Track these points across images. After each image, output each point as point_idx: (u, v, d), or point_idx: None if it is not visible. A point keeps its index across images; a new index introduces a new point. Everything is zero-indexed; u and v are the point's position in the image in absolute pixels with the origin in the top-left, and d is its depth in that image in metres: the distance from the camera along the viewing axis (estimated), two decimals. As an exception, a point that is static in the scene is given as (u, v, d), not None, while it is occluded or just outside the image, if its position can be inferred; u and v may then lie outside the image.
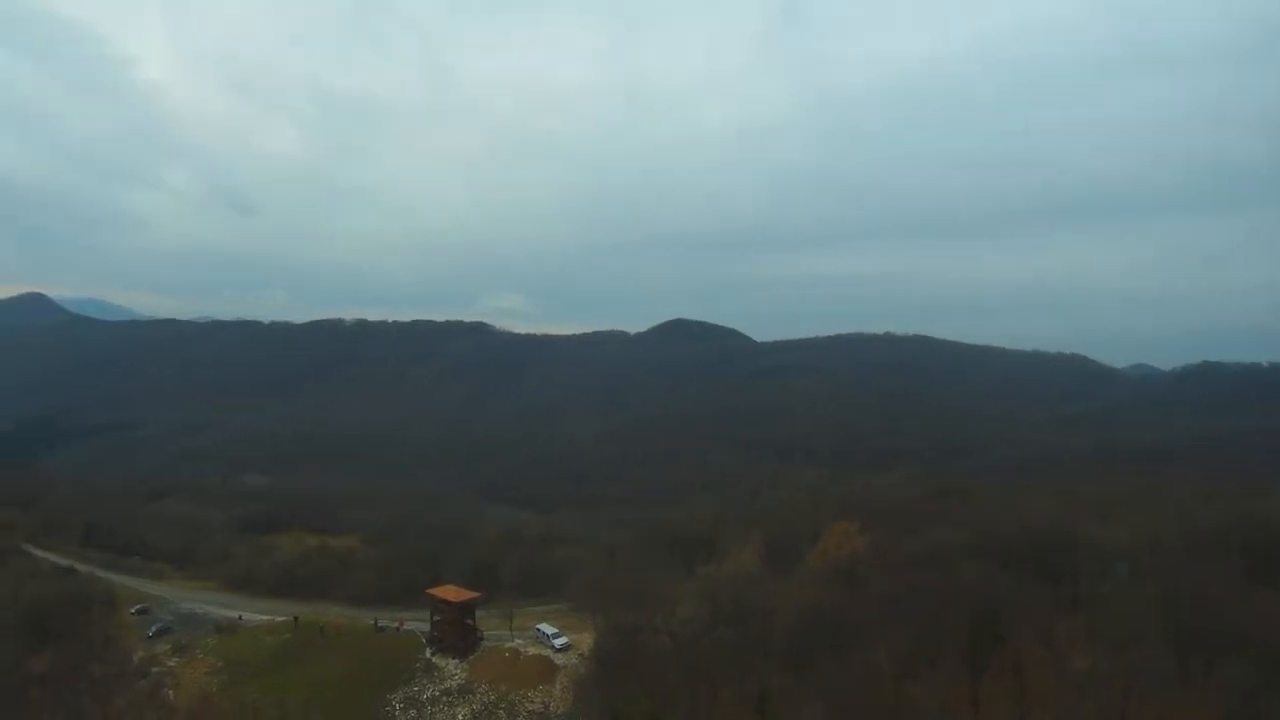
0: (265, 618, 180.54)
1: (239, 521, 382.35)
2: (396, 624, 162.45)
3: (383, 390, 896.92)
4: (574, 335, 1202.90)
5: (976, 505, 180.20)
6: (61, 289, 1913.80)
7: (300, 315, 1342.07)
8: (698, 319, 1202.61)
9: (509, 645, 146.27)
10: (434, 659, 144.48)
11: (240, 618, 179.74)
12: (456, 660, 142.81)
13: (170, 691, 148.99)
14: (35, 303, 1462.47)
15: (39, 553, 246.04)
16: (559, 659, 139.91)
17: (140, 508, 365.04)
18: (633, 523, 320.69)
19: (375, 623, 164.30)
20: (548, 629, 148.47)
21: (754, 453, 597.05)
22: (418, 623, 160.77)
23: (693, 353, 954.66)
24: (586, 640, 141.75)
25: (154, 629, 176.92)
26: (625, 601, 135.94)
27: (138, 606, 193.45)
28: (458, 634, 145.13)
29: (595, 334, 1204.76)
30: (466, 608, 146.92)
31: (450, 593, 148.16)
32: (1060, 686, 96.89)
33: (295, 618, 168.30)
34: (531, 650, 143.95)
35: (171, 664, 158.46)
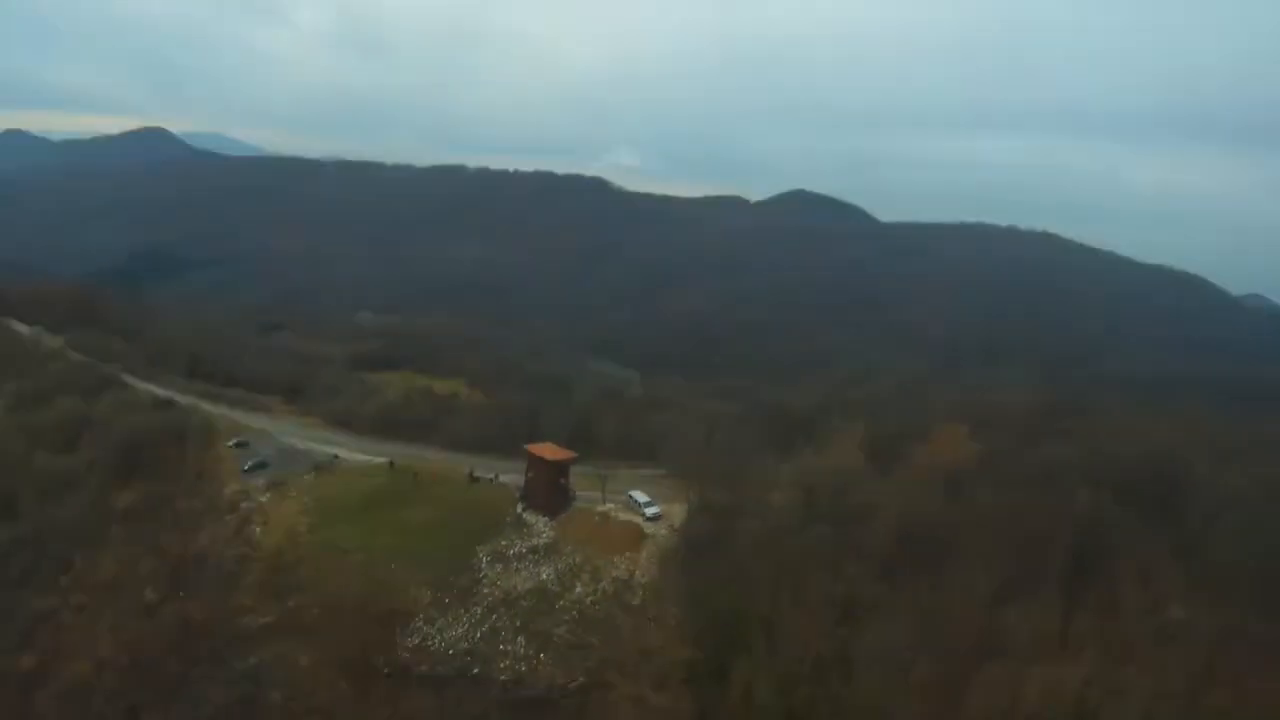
0: (364, 458, 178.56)
1: (350, 358, 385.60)
2: (491, 476, 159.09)
3: (499, 239, 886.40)
4: (693, 198, 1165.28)
5: (1094, 425, 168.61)
6: (185, 124, 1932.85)
7: (424, 160, 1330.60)
8: (821, 192, 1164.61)
9: (600, 508, 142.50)
10: (524, 515, 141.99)
11: (336, 457, 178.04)
12: (546, 519, 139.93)
13: (258, 528, 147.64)
14: (157, 137, 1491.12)
15: (140, 384, 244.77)
16: (648, 528, 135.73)
17: (252, 340, 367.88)
18: (735, 394, 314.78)
19: (470, 472, 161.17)
20: (640, 496, 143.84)
21: (865, 334, 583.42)
22: (513, 475, 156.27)
23: (812, 226, 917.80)
24: (677, 512, 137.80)
25: (249, 463, 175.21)
26: (720, 478, 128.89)
27: (236, 439, 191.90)
28: (550, 492, 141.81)
29: (715, 198, 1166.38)
30: (561, 467, 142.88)
31: (547, 450, 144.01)
32: (1151, 635, 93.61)
33: (391, 462, 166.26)
34: (621, 516, 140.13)
35: (263, 500, 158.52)
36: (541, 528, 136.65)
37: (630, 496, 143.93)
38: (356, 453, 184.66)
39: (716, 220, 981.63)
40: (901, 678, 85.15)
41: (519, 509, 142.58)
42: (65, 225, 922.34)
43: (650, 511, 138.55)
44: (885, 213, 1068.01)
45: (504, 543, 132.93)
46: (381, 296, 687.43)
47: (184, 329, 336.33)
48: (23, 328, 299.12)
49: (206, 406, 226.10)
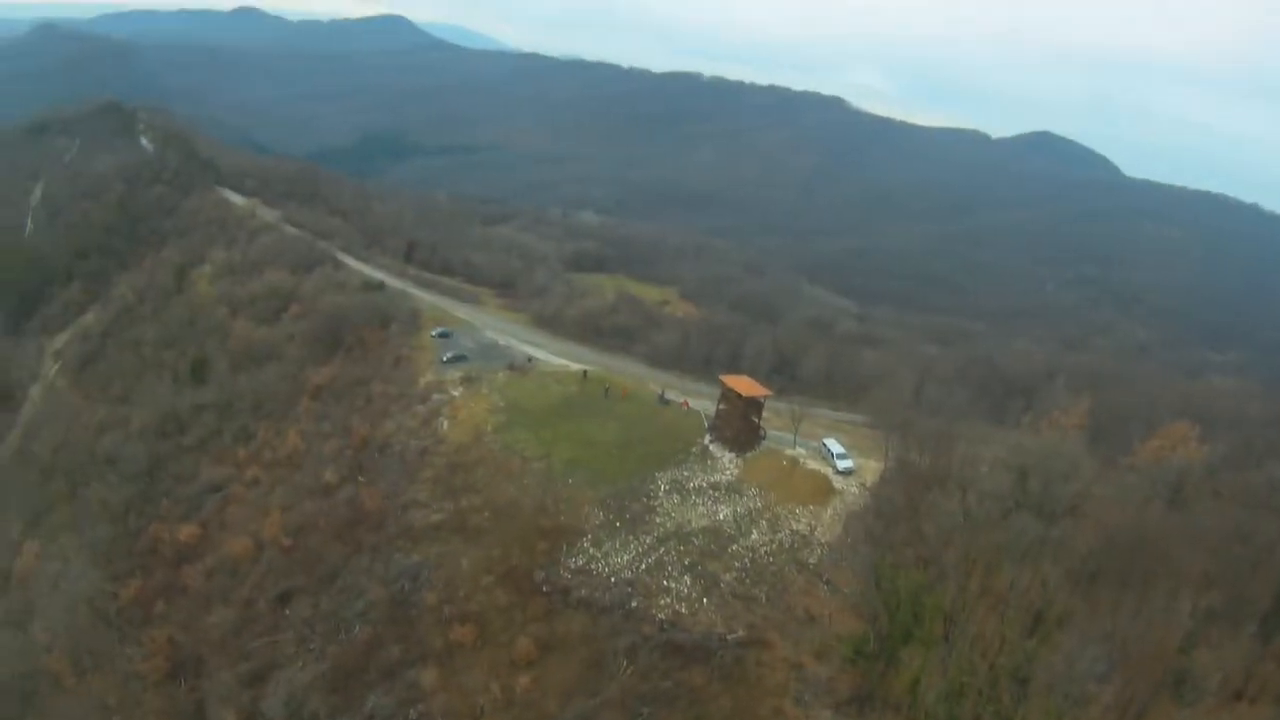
0: (560, 362, 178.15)
1: (567, 257, 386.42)
2: (683, 401, 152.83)
3: (728, 150, 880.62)
4: (932, 127, 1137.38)
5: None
6: (425, 13, 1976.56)
7: (660, 64, 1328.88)
8: (1066, 135, 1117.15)
9: (789, 452, 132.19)
10: (710, 447, 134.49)
11: (530, 359, 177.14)
12: (732, 455, 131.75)
13: (445, 422, 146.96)
14: (395, 24, 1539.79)
15: (354, 263, 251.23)
16: (838, 481, 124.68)
17: (471, 230, 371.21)
18: (951, 339, 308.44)
19: (661, 394, 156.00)
20: (834, 445, 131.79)
21: (1089, 293, 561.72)
22: (706, 402, 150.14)
23: (1052, 171, 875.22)
24: (872, 469, 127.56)
25: (448, 355, 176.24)
26: (924, 441, 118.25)
27: (439, 329, 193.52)
28: (740, 428, 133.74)
29: (956, 130, 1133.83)
30: (754, 403, 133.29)
31: (742, 384, 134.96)
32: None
33: (585, 372, 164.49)
34: (811, 464, 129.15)
35: (455, 394, 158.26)
36: (726, 464, 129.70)
37: (824, 444, 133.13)
38: (555, 355, 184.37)
39: (955, 152, 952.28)
40: (1081, 709, 75.17)
41: (706, 440, 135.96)
42: (297, 103, 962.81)
43: (843, 465, 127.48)
44: (1131, 166, 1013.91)
45: (685, 474, 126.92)
46: (606, 198, 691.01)
47: (405, 214, 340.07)
48: (238, 198, 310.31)
49: (416, 293, 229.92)
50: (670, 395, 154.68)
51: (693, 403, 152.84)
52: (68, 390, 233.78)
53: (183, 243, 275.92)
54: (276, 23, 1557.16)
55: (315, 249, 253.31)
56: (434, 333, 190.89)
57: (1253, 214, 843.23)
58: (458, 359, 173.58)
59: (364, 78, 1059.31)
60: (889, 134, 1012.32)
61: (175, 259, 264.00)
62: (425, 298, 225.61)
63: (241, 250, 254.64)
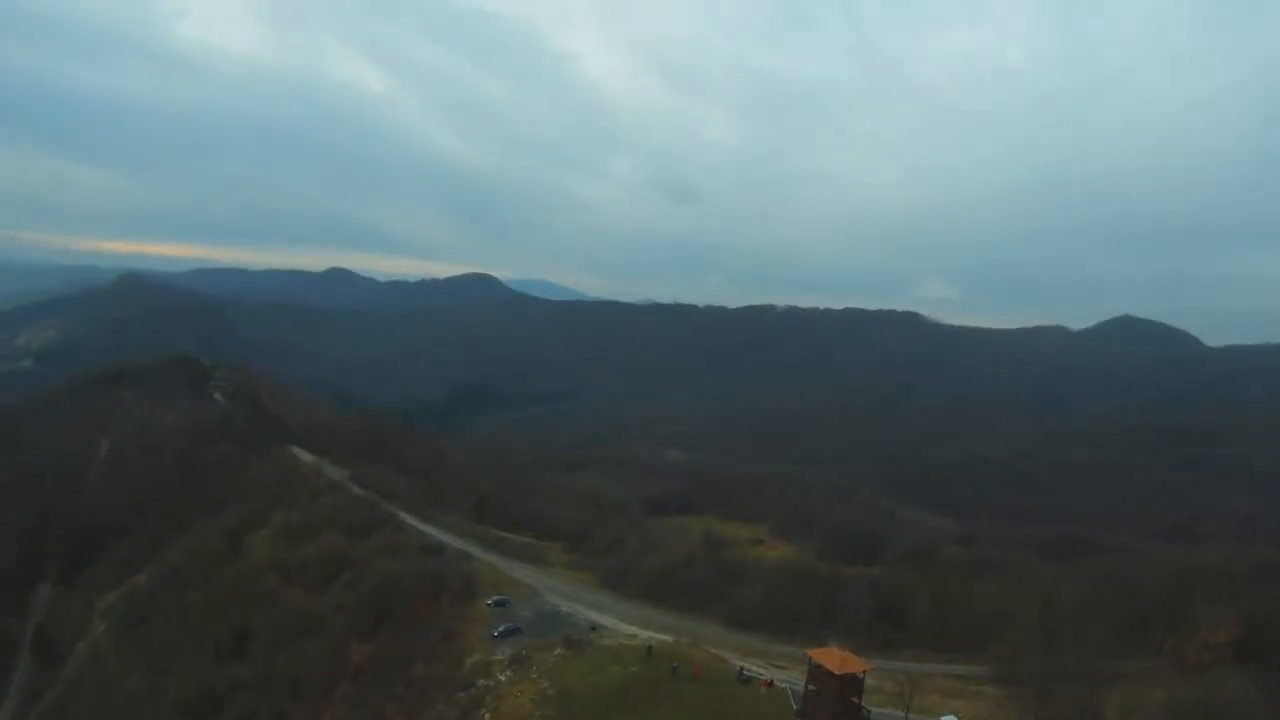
0: (629, 630, 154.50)
1: (648, 501, 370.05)
2: (763, 681, 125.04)
3: (807, 376, 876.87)
4: (1010, 329, 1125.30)
5: None
6: (508, 270, 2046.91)
7: (734, 300, 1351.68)
8: (1145, 316, 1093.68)
9: None
10: None
11: (593, 628, 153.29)
12: None
13: (486, 716, 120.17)
14: (482, 283, 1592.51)
15: (417, 524, 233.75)
16: None
17: (549, 480, 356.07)
18: (1067, 551, 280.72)
19: (740, 670, 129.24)
20: None
21: (1196, 471, 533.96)
22: (795, 673, 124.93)
23: (1137, 354, 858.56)
24: None
25: (501, 629, 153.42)
26: (1066, 694, 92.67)
27: (495, 598, 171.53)
28: (836, 713, 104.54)
29: (1034, 329, 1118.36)
30: (851, 682, 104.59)
31: (833, 658, 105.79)
32: None
33: (650, 648, 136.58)
34: None
35: (502, 679, 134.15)
36: None
37: None
38: (623, 621, 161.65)
39: (1036, 351, 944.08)
40: None
41: None
42: (388, 359, 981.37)
43: None
44: (1215, 335, 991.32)
45: None
46: (691, 435, 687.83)
47: (476, 468, 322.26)
48: (307, 456, 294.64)
49: (479, 553, 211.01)
50: (750, 670, 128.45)
51: (780, 675, 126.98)
52: (113, 652, 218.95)
53: (244, 504, 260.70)
54: (367, 284, 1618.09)
55: (377, 510, 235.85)
56: (490, 601, 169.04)
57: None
58: (510, 632, 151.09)
59: (451, 332, 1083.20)
60: (966, 341, 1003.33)
61: (231, 521, 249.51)
62: (487, 559, 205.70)
63: (302, 512, 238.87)
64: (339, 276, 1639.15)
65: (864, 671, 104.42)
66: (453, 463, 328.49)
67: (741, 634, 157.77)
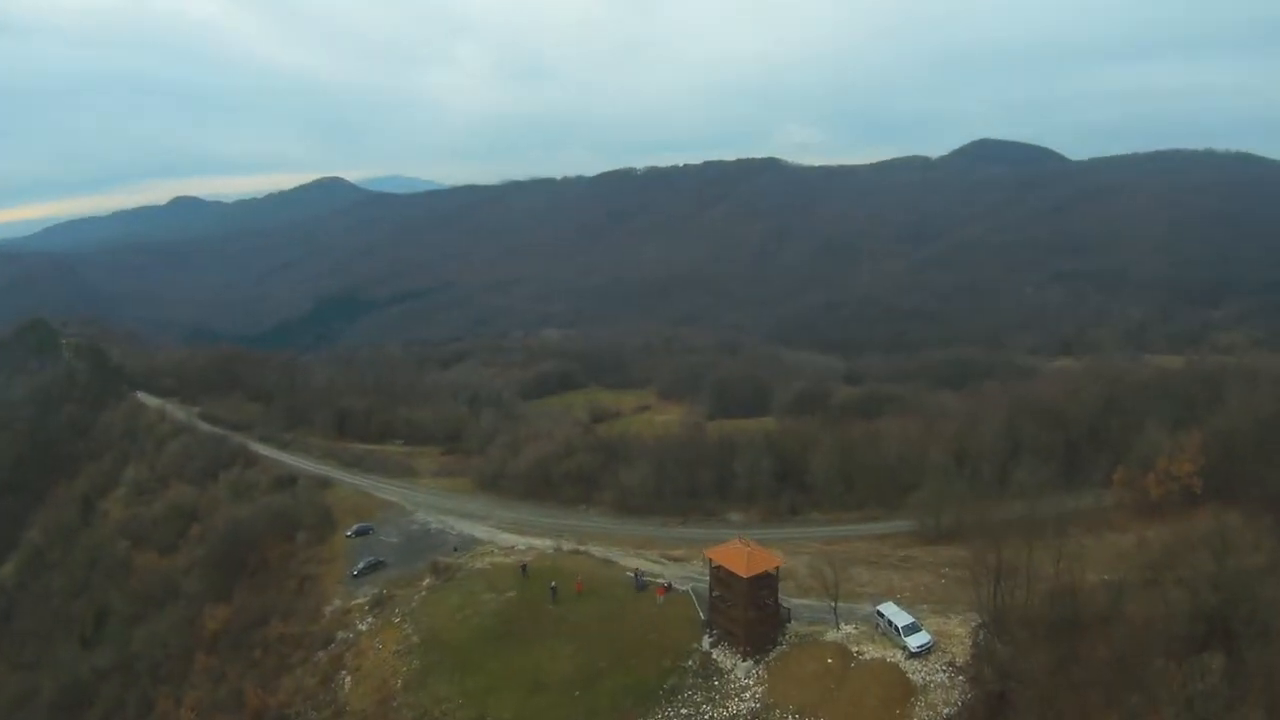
0: (507, 540, 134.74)
1: (528, 383, 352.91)
2: (657, 588, 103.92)
3: (677, 235, 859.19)
4: (871, 164, 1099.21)
5: None
6: (359, 172, 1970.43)
7: (595, 169, 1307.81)
8: (1004, 138, 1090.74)
9: (831, 637, 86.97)
10: (714, 655, 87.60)
11: (455, 549, 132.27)
12: (748, 664, 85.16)
13: (347, 679, 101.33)
14: (333, 187, 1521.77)
15: (272, 454, 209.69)
16: (916, 670, 79.61)
17: (419, 381, 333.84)
18: (960, 377, 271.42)
19: (635, 576, 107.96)
20: (895, 613, 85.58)
21: (1074, 285, 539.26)
22: (697, 565, 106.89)
23: (1001, 176, 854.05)
24: (957, 632, 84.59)
25: (361, 565, 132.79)
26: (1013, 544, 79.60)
27: (356, 526, 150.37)
28: (750, 621, 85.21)
29: (894, 161, 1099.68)
30: (763, 582, 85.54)
31: (738, 557, 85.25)
32: None
33: (524, 566, 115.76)
34: (869, 651, 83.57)
35: (363, 628, 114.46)
36: (741, 678, 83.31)
37: (878, 615, 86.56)
38: (503, 529, 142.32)
39: (900, 183, 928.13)
40: None
41: (705, 643, 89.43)
42: (248, 284, 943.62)
43: (916, 642, 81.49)
44: (1076, 151, 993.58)
45: (685, 710, 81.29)
46: (567, 311, 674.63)
47: (339, 383, 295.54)
48: (153, 401, 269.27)
49: (340, 476, 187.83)
50: (645, 576, 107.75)
51: (678, 574, 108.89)
52: None
53: (95, 465, 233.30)
54: (213, 208, 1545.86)
55: (229, 445, 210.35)
56: (349, 531, 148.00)
57: (1208, 159, 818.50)
58: (372, 568, 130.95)
59: (307, 245, 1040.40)
60: (831, 181, 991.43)
61: (82, 487, 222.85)
62: (350, 482, 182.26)
63: (149, 464, 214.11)
64: (186, 206, 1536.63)
65: (777, 567, 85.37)
66: (313, 381, 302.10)
67: (631, 522, 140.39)
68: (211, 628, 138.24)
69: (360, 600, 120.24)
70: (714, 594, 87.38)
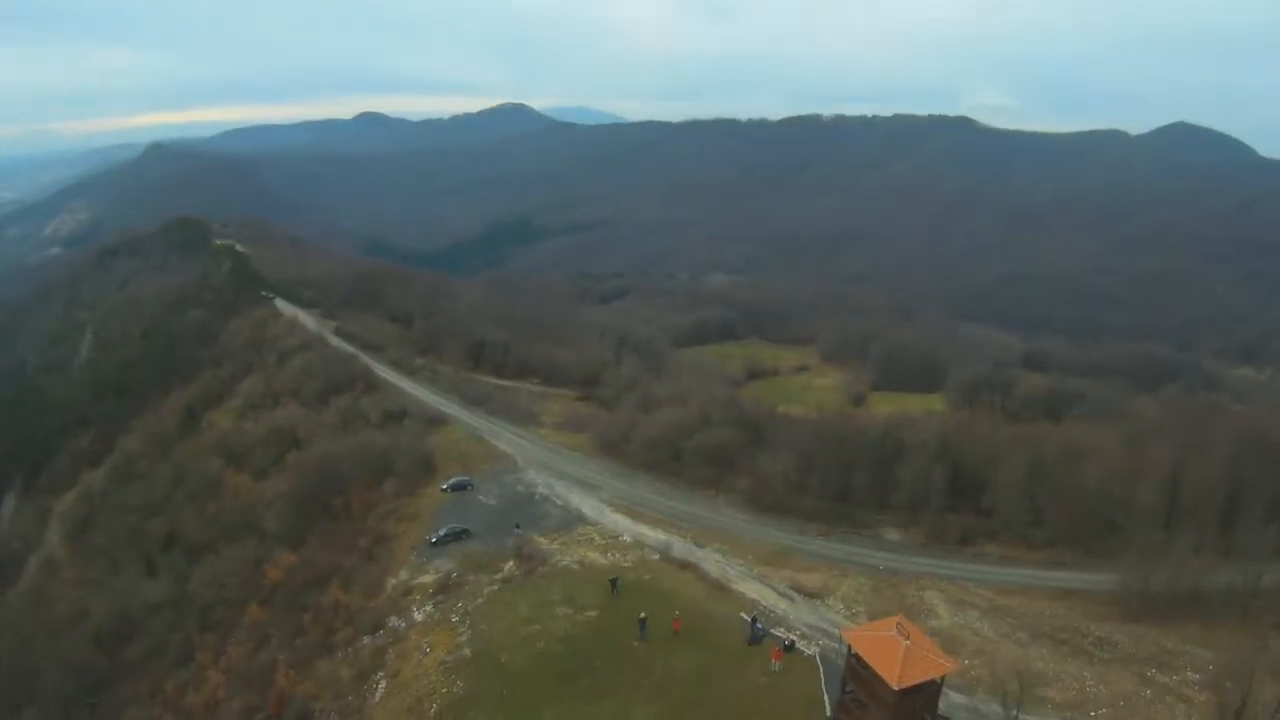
0: (614, 522, 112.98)
1: (687, 330, 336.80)
2: (774, 650, 74.97)
3: (858, 189, 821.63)
4: (1067, 134, 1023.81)
5: None
6: (546, 100, 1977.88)
7: (780, 114, 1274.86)
8: (1204, 124, 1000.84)
9: None
10: None
11: (553, 529, 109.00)
12: None
13: (381, 683, 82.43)
14: (519, 113, 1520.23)
15: (397, 381, 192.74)
16: None
17: (577, 313, 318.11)
18: (1153, 378, 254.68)
19: (751, 622, 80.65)
20: None
21: (1267, 287, 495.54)
22: (831, 607, 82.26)
23: (1199, 162, 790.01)
24: None
25: (442, 532, 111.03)
26: None
27: (454, 479, 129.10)
28: None
29: (1093, 133, 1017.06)
30: (923, 695, 56.70)
31: (890, 654, 55.58)
32: None
33: (614, 581, 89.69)
34: None
35: (419, 617, 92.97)
36: None
37: None
38: (609, 506, 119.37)
39: (1095, 157, 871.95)
40: None
41: None
42: (425, 202, 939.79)
43: None
44: (1267, 148, 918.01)
45: None
46: (735, 257, 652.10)
47: (486, 309, 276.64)
48: (290, 309, 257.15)
49: (458, 414, 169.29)
50: (762, 625, 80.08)
51: (808, 620, 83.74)
52: (67, 563, 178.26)
53: (214, 373, 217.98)
54: (399, 125, 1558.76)
55: (351, 368, 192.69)
56: (445, 484, 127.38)
57: None
58: (453, 536, 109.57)
59: (487, 167, 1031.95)
60: (1024, 147, 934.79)
61: (189, 395, 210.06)
62: (466, 421, 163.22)
63: (267, 378, 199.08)
64: (371, 121, 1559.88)
65: (943, 675, 57.80)
66: (460, 305, 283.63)
67: (766, 522, 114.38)
68: (273, 577, 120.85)
69: (428, 578, 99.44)
70: (847, 690, 60.84)
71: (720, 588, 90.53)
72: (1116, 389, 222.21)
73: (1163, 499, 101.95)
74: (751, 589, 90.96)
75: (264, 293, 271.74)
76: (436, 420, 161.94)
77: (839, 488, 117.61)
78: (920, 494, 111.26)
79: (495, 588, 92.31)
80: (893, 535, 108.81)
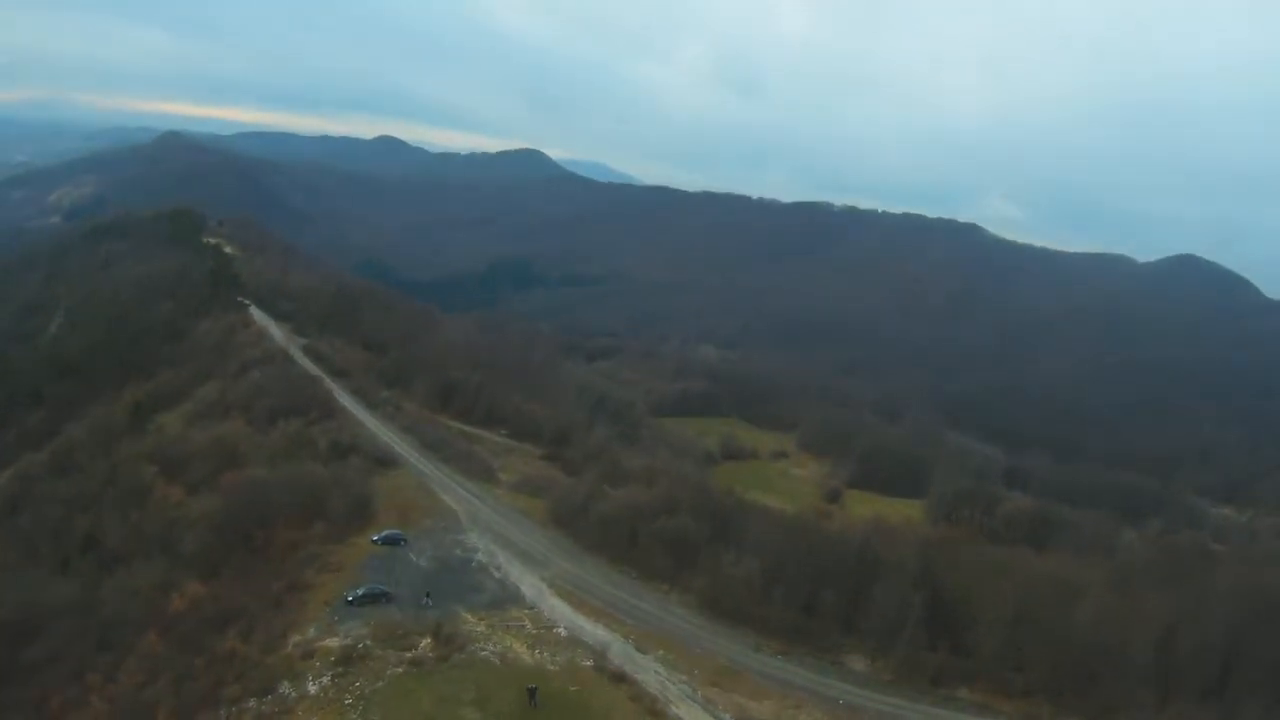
0: (552, 609, 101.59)
1: (667, 400, 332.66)
2: None
3: (860, 281, 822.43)
4: (1073, 253, 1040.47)
5: None
6: (561, 150, 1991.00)
7: (791, 196, 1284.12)
8: (1210, 259, 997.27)
9: None
10: None
11: (482, 607, 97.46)
12: None
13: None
14: (533, 159, 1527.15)
15: (357, 412, 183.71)
16: None
17: (556, 366, 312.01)
18: (1137, 510, 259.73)
19: None
20: None
21: (1252, 430, 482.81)
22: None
23: (1201, 297, 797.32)
24: None
25: (362, 590, 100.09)
26: None
27: (386, 532, 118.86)
28: None
29: (1098, 255, 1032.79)
30: None
31: None
32: None
33: (533, 691, 76.74)
34: None
35: (312, 689, 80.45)
36: None
37: None
38: (550, 589, 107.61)
39: (1099, 279, 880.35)
40: None
41: None
42: (429, 230, 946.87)
43: None
44: (1271, 288, 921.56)
45: None
46: (729, 331, 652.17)
47: (465, 348, 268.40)
48: (264, 319, 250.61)
49: (411, 458, 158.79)
50: None
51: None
52: None
53: (173, 373, 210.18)
54: (417, 154, 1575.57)
55: (311, 391, 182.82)
56: (377, 536, 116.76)
57: None
58: (372, 598, 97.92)
59: (496, 207, 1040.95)
60: (1028, 261, 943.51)
61: (137, 392, 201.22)
62: (417, 468, 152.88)
63: (223, 387, 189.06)
64: (389, 145, 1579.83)
65: None
66: (440, 340, 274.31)
67: (720, 629, 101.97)
68: (177, 606, 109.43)
69: (334, 641, 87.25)
70: None
71: (655, 712, 78.18)
72: (1102, 520, 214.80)
73: (1157, 656, 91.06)
74: (692, 716, 79.23)
75: (240, 298, 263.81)
76: (386, 461, 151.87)
77: (805, 600, 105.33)
78: (895, 621, 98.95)
79: (401, 670, 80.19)
80: (858, 665, 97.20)
